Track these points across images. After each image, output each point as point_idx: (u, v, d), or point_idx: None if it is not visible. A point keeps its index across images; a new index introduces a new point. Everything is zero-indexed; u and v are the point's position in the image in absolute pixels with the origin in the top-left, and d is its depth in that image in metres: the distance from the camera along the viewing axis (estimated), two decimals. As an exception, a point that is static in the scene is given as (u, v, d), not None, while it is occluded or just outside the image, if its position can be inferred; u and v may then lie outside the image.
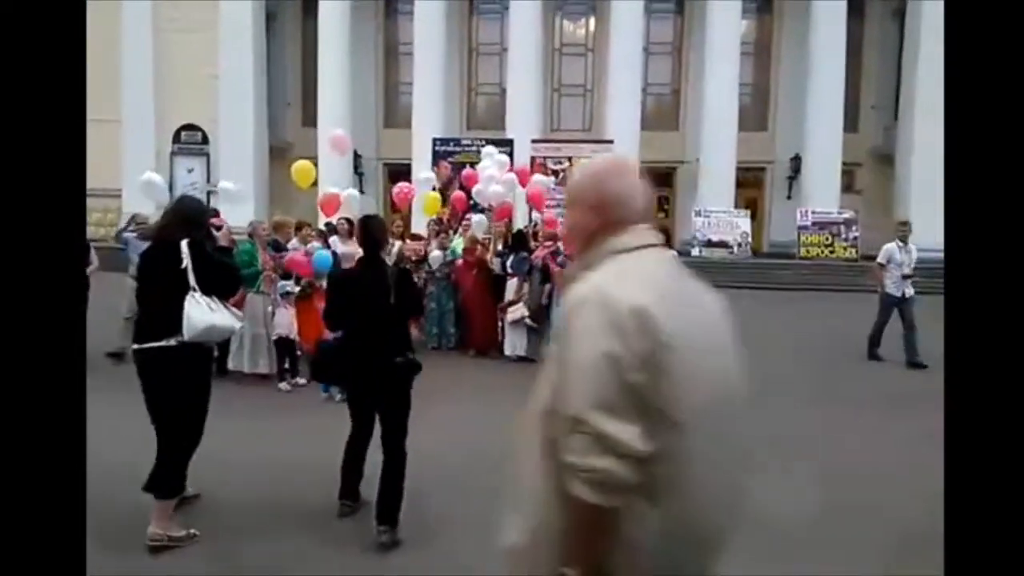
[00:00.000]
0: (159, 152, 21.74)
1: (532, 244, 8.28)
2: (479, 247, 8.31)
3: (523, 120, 21.36)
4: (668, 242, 6.39)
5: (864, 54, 23.56)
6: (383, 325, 3.56)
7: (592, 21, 24.76)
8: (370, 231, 3.75)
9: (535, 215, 10.74)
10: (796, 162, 22.47)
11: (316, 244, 7.11)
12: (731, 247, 20.59)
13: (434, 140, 21.00)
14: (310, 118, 23.19)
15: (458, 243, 8.56)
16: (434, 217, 9.47)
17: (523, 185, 9.50)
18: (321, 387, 6.14)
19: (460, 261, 8.38)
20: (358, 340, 3.60)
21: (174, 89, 21.71)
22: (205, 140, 22.10)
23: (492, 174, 9.19)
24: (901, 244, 8.55)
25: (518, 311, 7.80)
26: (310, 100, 23.51)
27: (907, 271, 8.41)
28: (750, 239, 20.93)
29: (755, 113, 24.07)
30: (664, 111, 25.05)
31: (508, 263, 8.05)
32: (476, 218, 8.71)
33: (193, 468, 3.63)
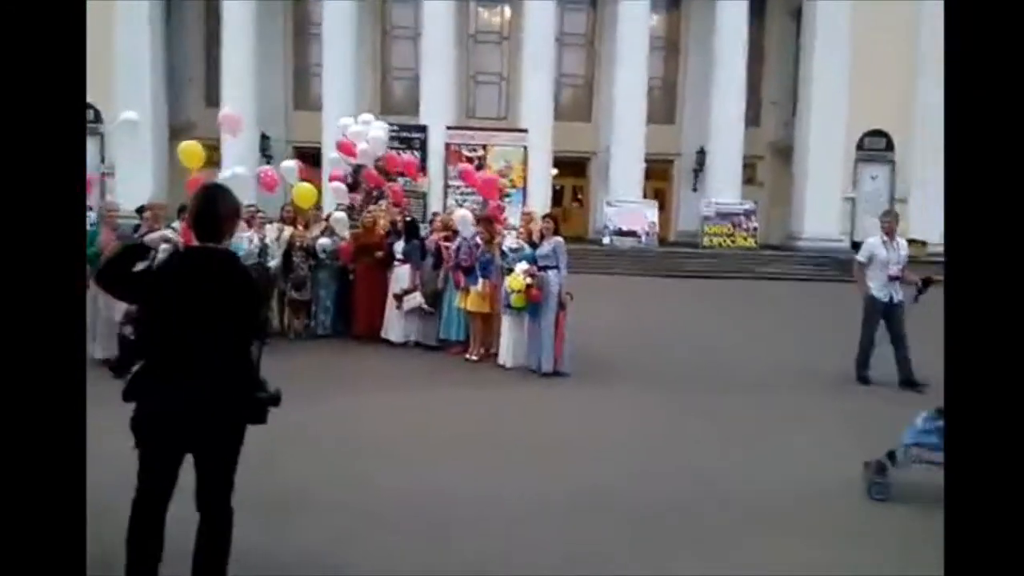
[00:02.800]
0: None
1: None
2: (376, 228, 8.29)
3: (438, 106, 21.24)
4: (557, 230, 6.64)
5: (766, 51, 24.65)
6: (209, 343, 2.48)
7: (507, 9, 24.78)
8: (210, 205, 2.57)
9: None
10: (701, 155, 23.33)
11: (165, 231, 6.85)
12: (640, 236, 21.21)
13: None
14: (214, 98, 22.19)
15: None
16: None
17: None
18: None
19: (344, 244, 8.32)
20: (170, 362, 2.49)
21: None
22: (98, 119, 20.80)
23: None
24: (886, 239, 7.06)
25: (415, 299, 7.80)
26: (214, 80, 22.51)
27: (894, 271, 6.95)
28: (657, 228, 21.61)
29: (663, 107, 24.79)
30: (577, 102, 25.43)
31: (399, 249, 8.04)
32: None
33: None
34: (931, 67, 18.97)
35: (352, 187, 10.62)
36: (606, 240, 21.27)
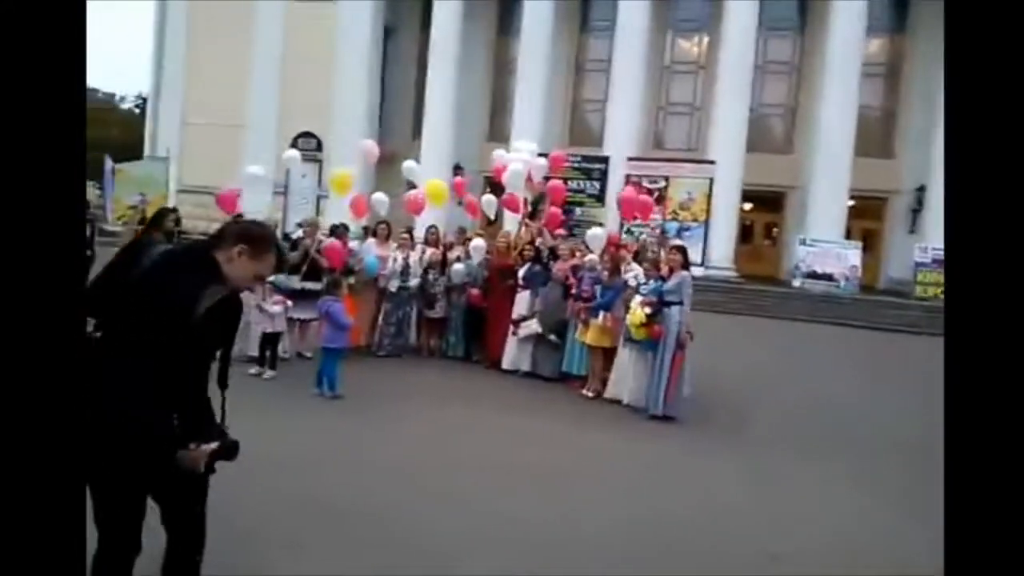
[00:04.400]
0: (278, 157, 23.28)
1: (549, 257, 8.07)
2: (510, 252, 8.22)
3: (622, 137, 21.05)
4: (685, 264, 6.08)
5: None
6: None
7: (705, 38, 23.99)
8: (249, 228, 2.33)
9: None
10: (920, 192, 20.60)
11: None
12: (837, 280, 19.15)
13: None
14: (420, 130, 24.01)
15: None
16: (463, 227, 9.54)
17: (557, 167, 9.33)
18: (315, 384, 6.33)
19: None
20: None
21: (295, 97, 23.25)
22: (319, 147, 23.43)
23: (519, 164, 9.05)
24: None
25: (531, 326, 7.58)
26: (420, 114, 24.36)
27: None
28: (859, 273, 19.36)
29: (879, 138, 22.35)
30: (777, 133, 23.82)
31: (522, 274, 7.86)
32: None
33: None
34: None
35: (532, 215, 10.83)
36: (796, 282, 19.49)
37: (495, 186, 18.44)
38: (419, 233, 9.28)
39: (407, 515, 3.89)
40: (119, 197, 22.44)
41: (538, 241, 8.22)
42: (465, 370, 8.15)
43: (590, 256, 7.48)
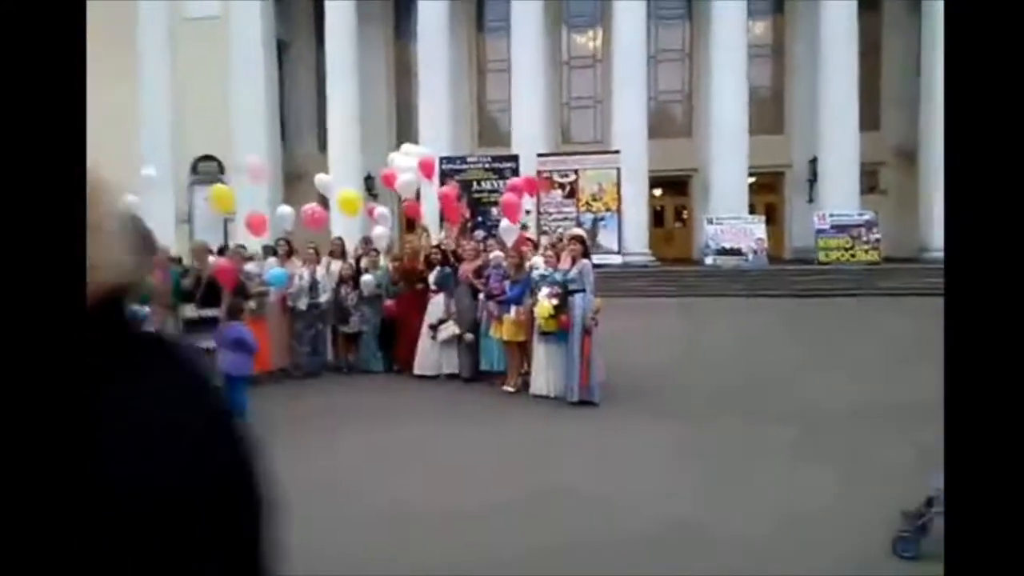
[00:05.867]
0: (177, 185, 22.43)
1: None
2: (416, 259, 8.22)
3: (529, 134, 21.28)
4: (586, 253, 6.22)
5: (883, 47, 22.78)
6: None
7: (600, 32, 24.58)
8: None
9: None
10: (813, 164, 21.73)
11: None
12: (745, 254, 19.98)
13: (441, 159, 21.13)
14: (325, 143, 23.61)
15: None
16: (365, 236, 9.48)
17: (427, 175, 9.32)
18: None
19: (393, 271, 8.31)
20: None
21: (191, 122, 22.46)
22: (221, 169, 22.70)
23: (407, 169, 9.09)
24: None
25: (449, 328, 7.62)
26: (324, 125, 23.95)
27: None
28: (765, 245, 20.26)
29: (771, 116, 23.45)
30: (676, 118, 24.64)
31: (432, 278, 7.90)
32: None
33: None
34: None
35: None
36: (708, 260, 20.23)
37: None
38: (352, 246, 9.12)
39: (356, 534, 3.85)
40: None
41: (443, 244, 8.27)
42: (386, 381, 8.09)
43: (495, 253, 7.56)
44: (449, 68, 22.21)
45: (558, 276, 6.83)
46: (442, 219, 10.34)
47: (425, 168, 9.03)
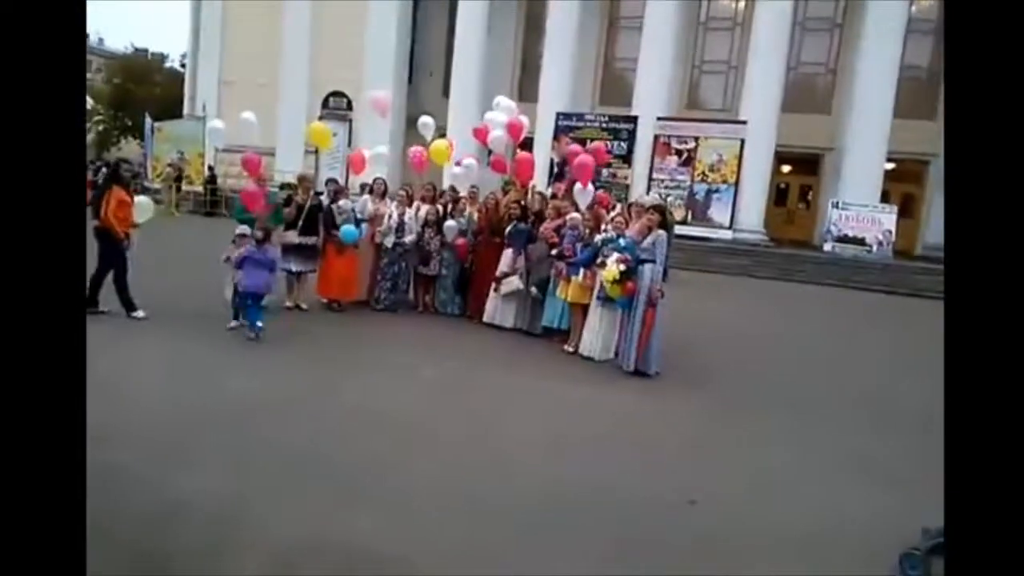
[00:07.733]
0: (309, 116, 23.58)
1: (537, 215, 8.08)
2: (497, 210, 8.29)
3: (652, 97, 20.59)
4: (664, 224, 6.09)
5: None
6: None
7: (744, -7, 23.14)
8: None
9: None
10: (965, 155, 19.70)
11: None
12: (869, 245, 18.62)
13: (557, 115, 20.96)
14: (448, 89, 23.96)
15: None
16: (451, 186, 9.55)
17: (514, 137, 9.14)
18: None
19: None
20: None
21: (327, 57, 23.44)
22: (349, 106, 23.63)
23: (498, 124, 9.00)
24: None
25: (512, 283, 7.67)
26: (450, 72, 24.26)
27: None
28: (893, 238, 18.76)
29: (925, 100, 21.37)
30: (816, 92, 22.96)
31: (507, 232, 7.93)
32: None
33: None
34: None
35: (558, 176, 10.79)
36: (827, 246, 19.03)
37: (523, 147, 18.43)
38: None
39: (388, 465, 4.10)
40: (159, 155, 23.16)
41: (526, 201, 8.28)
42: (455, 325, 8.32)
43: (572, 215, 7.49)
44: (579, 22, 21.75)
45: (622, 242, 6.69)
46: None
47: (513, 130, 8.97)
